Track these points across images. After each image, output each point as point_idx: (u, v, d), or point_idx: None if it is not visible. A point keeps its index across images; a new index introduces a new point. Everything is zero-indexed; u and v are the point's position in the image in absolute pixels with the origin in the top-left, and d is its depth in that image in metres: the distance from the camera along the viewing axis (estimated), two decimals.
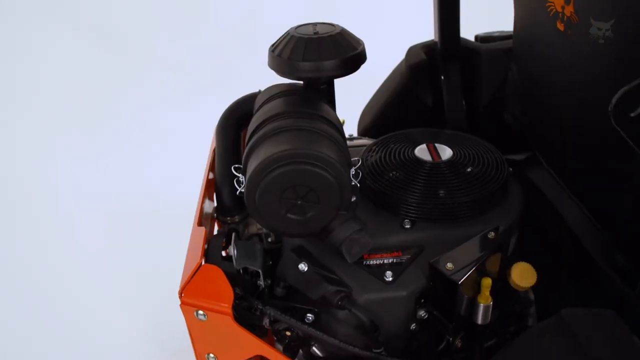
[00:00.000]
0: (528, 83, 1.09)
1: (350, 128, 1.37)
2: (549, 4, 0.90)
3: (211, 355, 0.85)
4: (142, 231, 2.16)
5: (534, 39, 1.02)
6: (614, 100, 0.55)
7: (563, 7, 0.86)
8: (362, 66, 0.98)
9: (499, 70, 1.20)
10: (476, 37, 1.31)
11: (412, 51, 1.32)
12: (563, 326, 0.72)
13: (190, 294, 0.80)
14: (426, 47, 1.30)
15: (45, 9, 3.35)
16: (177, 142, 2.64)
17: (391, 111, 1.33)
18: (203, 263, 0.84)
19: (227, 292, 0.79)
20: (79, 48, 3.26)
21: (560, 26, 0.88)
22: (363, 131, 1.38)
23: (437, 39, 1.29)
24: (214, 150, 1.05)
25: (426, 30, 1.34)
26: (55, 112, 2.87)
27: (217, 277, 0.80)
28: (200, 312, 0.80)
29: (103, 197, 2.39)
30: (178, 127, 2.73)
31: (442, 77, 1.27)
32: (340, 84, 1.04)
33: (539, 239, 1.07)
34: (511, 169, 0.98)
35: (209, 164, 1.10)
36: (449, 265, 0.81)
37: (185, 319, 0.82)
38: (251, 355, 0.85)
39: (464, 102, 1.27)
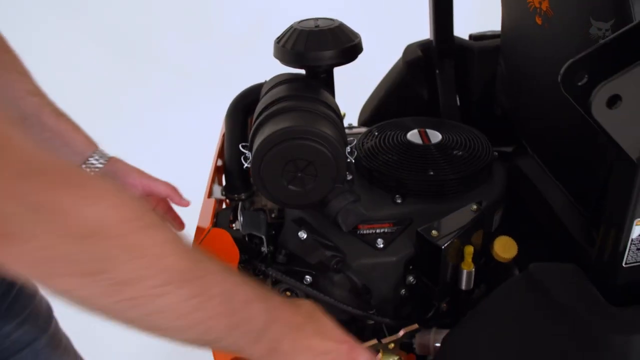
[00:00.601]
0: (513, 76, 1.21)
1: (352, 120, 1.48)
2: (529, 0, 1.05)
3: None
4: None
5: (518, 34, 1.15)
6: (562, 70, 0.66)
7: (540, 3, 1.01)
8: (363, 64, 1.11)
9: (490, 66, 1.30)
10: (470, 36, 1.43)
11: (409, 49, 1.44)
12: (534, 282, 0.81)
13: None
14: (422, 45, 1.42)
15: (46, 9, 3.47)
16: (177, 143, 2.74)
17: (389, 104, 1.44)
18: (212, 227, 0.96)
19: (234, 252, 0.92)
20: (80, 48, 3.38)
21: (539, 20, 1.03)
22: (363, 123, 1.49)
23: (432, 38, 1.40)
24: (222, 136, 1.17)
25: (423, 30, 1.46)
26: None
27: (225, 239, 0.93)
28: None
29: None
30: (179, 128, 2.85)
31: (437, 73, 1.38)
32: (342, 81, 1.17)
33: (527, 227, 1.17)
34: (496, 153, 1.11)
35: (217, 150, 1.23)
36: (434, 232, 0.93)
37: None
38: None
39: (457, 96, 1.38)
